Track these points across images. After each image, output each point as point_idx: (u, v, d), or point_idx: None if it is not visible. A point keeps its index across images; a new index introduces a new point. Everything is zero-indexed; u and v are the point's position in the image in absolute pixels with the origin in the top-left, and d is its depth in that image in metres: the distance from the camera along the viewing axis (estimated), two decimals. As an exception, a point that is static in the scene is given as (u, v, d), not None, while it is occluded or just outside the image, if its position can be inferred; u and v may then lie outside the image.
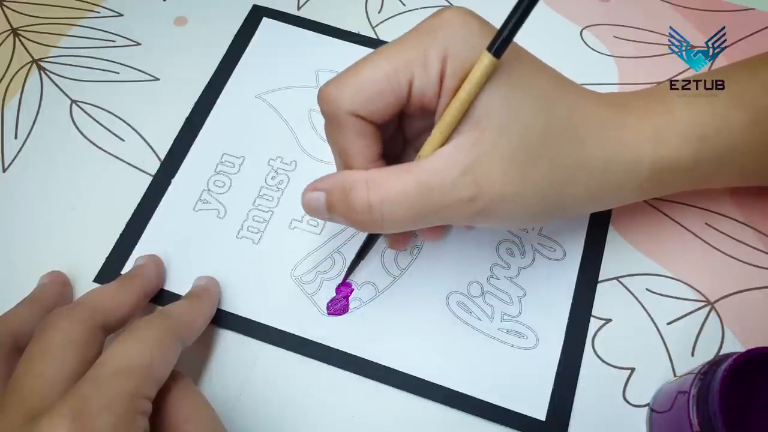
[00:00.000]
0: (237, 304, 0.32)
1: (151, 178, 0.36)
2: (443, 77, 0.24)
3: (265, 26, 0.41)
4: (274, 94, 0.38)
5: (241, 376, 0.31)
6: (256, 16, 0.41)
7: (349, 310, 0.32)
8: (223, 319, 0.32)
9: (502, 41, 0.22)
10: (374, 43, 0.40)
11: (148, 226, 0.34)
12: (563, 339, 0.32)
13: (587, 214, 0.35)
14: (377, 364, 0.31)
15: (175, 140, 0.37)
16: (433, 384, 0.31)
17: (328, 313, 0.32)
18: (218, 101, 0.38)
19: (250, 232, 0.34)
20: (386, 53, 0.25)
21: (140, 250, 0.34)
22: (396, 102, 0.25)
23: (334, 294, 0.33)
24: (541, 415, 0.30)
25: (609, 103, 0.28)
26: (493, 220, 0.26)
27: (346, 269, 0.33)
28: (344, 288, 0.33)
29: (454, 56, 0.24)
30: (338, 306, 0.32)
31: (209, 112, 0.38)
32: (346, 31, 0.41)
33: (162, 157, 0.36)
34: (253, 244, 0.34)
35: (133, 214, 0.35)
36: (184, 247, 0.34)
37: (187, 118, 0.37)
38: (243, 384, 0.31)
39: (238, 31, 0.40)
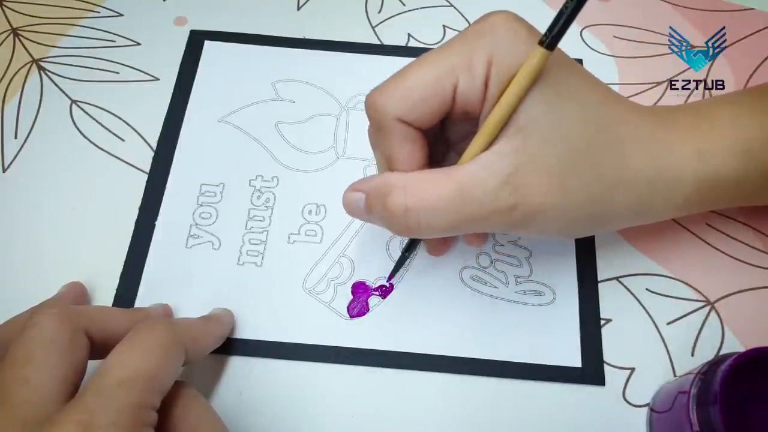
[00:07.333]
0: (256, 330, 0.32)
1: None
2: (488, 82, 0.24)
3: (208, 49, 0.40)
4: (236, 114, 0.38)
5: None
6: (197, 41, 0.40)
7: (370, 308, 0.33)
8: (246, 347, 0.31)
9: (554, 35, 0.22)
10: (323, 45, 0.40)
11: (143, 276, 0.33)
12: (577, 286, 0.33)
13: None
14: (413, 353, 0.31)
15: (148, 180, 0.36)
16: (469, 359, 0.31)
17: (351, 316, 0.32)
18: (181, 133, 0.37)
19: (251, 256, 0.34)
20: (432, 58, 0.24)
21: (138, 304, 0.32)
22: (441, 107, 0.24)
23: (350, 297, 0.33)
24: (576, 362, 0.31)
25: (655, 116, 0.28)
26: (532, 230, 0.26)
27: (389, 272, 0.33)
28: (360, 288, 0.33)
29: (499, 61, 0.23)
30: (359, 307, 0.33)
31: (174, 146, 0.36)
32: (291, 38, 0.40)
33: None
34: (257, 267, 0.34)
35: (125, 266, 0.33)
36: (185, 287, 0.33)
37: (154, 157, 0.36)
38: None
39: (183, 59, 0.39)
